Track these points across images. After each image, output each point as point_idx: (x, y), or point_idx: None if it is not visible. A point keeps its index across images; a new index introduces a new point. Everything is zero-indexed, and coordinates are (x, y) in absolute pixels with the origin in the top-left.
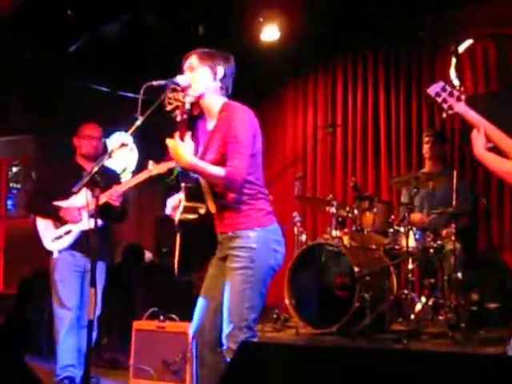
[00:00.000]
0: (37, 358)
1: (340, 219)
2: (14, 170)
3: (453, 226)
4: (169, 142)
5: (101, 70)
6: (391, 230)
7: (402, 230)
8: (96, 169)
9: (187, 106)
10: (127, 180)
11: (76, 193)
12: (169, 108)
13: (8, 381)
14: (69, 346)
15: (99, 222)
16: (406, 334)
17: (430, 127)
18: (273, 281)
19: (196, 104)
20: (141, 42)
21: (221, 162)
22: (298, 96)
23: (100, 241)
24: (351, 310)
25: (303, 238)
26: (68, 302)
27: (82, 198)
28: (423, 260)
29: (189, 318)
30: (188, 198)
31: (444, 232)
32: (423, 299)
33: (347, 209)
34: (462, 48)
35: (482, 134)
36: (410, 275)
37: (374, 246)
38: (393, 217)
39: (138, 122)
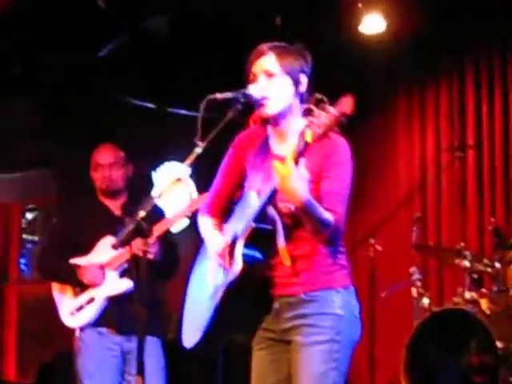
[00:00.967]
0: None
1: (475, 276)
2: (29, 216)
3: None
4: (278, 166)
5: (143, 79)
6: None
7: None
8: (142, 213)
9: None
10: (164, 220)
11: (117, 248)
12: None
13: None
14: None
15: (129, 283)
16: None
17: None
18: (382, 359)
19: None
20: (196, 41)
21: None
22: (412, 109)
23: (142, 309)
24: None
25: (425, 302)
26: None
27: (105, 252)
28: None
29: None
30: (251, 241)
31: None
32: None
33: (485, 261)
34: None
35: None
36: None
37: None
38: None
39: (199, 150)
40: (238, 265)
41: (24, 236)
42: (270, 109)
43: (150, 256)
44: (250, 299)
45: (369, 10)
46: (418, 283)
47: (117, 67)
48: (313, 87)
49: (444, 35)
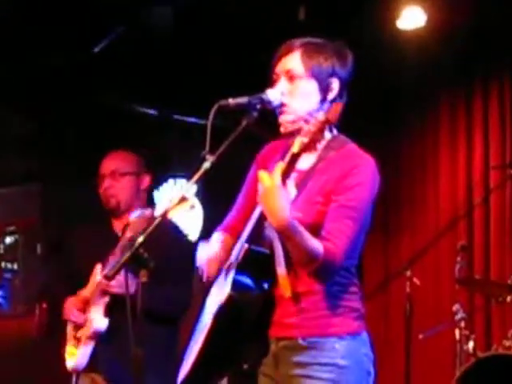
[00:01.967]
0: None
1: None
2: (8, 240)
3: None
4: (264, 177)
5: (143, 81)
6: None
7: None
8: (140, 239)
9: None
10: None
11: (111, 279)
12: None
13: None
14: None
15: (104, 321)
16: None
17: None
18: None
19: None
20: (206, 37)
21: (313, 226)
22: (456, 120)
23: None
24: None
25: (470, 346)
26: None
27: (92, 283)
28: None
29: None
30: (245, 265)
31: None
32: None
33: None
34: None
35: None
36: None
37: None
38: None
39: (207, 164)
40: (225, 291)
41: (1, 264)
42: (286, 118)
43: (118, 290)
44: (242, 336)
45: (407, 2)
46: (462, 323)
47: (113, 65)
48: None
49: (494, 32)
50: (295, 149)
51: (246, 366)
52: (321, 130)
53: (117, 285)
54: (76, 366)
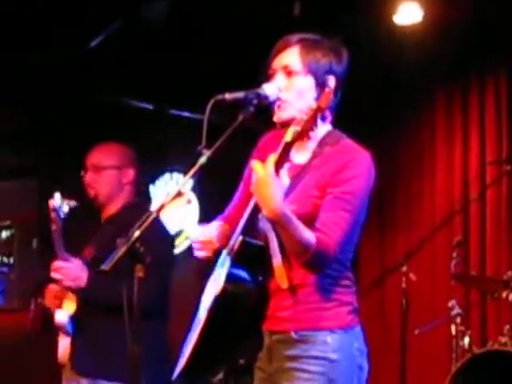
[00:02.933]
0: None
1: None
2: (4, 235)
3: None
4: (257, 166)
5: (139, 76)
6: None
7: None
8: (137, 233)
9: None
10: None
11: (107, 273)
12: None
13: None
14: None
15: (63, 315)
16: None
17: None
18: None
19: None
20: (203, 31)
21: (307, 219)
22: (452, 115)
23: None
24: None
25: (466, 342)
26: None
27: None
28: None
29: None
30: (239, 258)
31: None
32: None
33: None
34: None
35: None
36: None
37: None
38: None
39: (203, 159)
40: (219, 283)
41: None
42: (282, 114)
43: (69, 283)
44: (238, 329)
45: None
46: (458, 319)
47: (109, 61)
48: (343, 91)
49: (490, 27)
50: (288, 138)
51: (242, 361)
52: (313, 118)
53: (65, 278)
54: (59, 359)
